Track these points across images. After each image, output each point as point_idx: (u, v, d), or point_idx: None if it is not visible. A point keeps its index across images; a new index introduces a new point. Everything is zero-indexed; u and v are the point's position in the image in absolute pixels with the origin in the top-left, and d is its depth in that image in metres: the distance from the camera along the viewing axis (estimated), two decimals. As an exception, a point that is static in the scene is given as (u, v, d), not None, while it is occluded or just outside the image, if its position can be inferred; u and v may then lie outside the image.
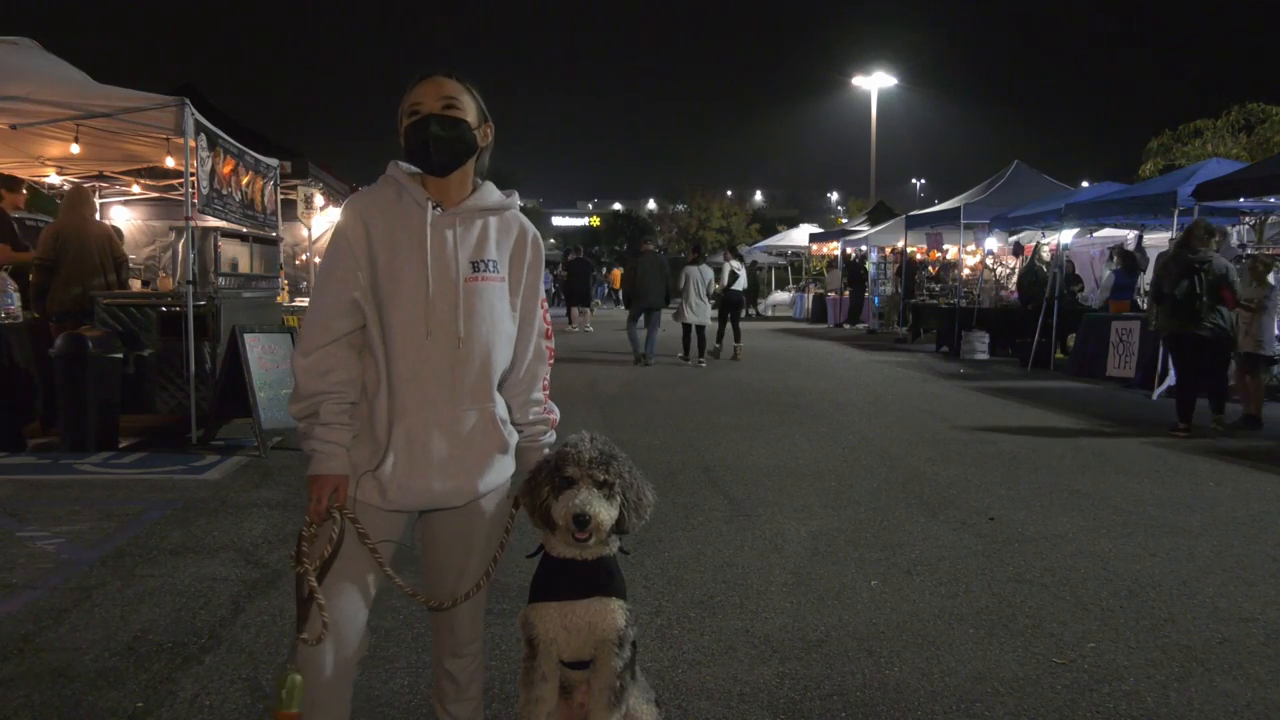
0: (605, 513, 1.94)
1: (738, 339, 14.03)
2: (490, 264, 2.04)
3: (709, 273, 13.42)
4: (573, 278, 21.05)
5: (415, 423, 1.97)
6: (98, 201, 10.00)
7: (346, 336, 2.00)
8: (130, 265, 7.61)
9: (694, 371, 12.39)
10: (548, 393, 2.22)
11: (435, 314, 1.97)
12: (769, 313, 29.37)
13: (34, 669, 2.98)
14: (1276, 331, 8.13)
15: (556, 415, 2.24)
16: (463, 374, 2.00)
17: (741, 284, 14.12)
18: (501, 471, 2.09)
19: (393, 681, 2.92)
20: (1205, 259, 7.49)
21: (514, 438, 2.13)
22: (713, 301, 13.65)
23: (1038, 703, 2.85)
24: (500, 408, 2.08)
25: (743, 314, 14.44)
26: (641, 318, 13.15)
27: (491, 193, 2.11)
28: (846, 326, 22.34)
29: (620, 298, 13.60)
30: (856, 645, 3.26)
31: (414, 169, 2.06)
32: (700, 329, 13.14)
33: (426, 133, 1.97)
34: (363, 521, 1.98)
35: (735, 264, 14.30)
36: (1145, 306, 11.09)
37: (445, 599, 2.11)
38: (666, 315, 13.98)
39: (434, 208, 2.02)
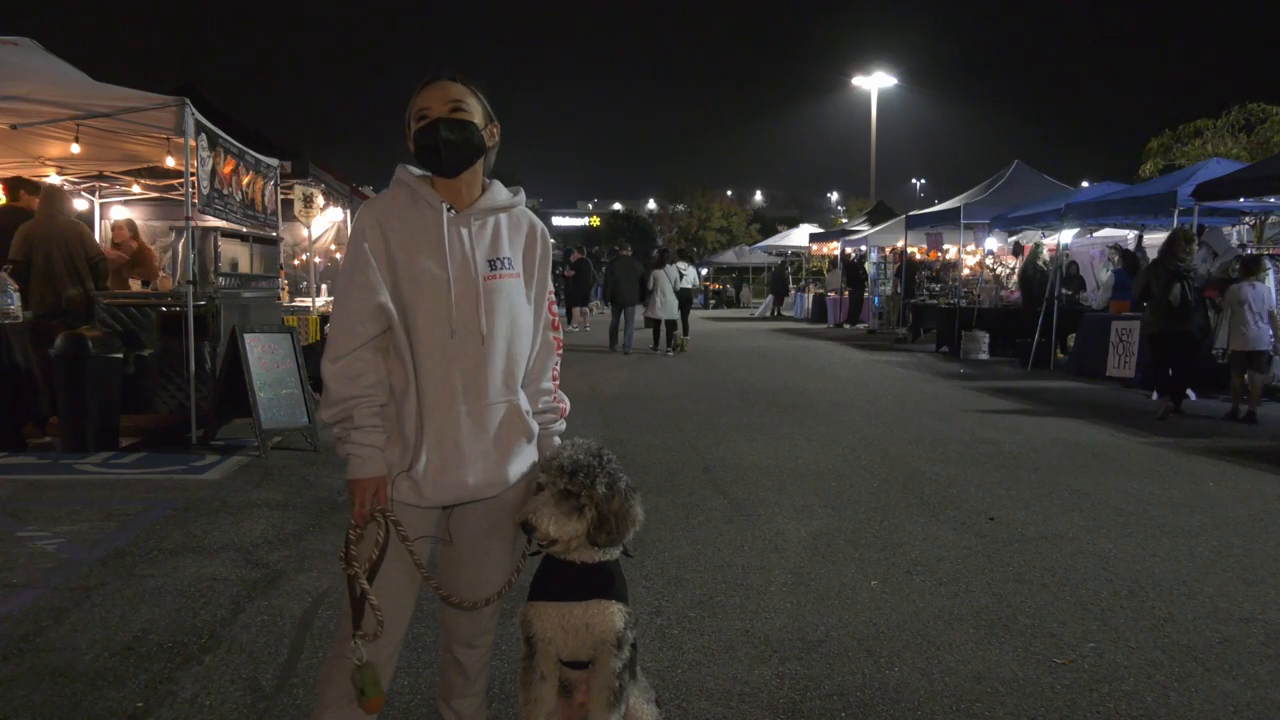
0: (554, 525, 1.91)
1: (685, 332, 15.86)
2: (506, 261, 2.10)
3: (674, 273, 15.36)
4: (576, 278, 21.05)
5: (445, 419, 2.03)
6: (97, 201, 10.00)
7: (373, 341, 2.05)
8: (105, 258, 7.50)
9: (694, 372, 12.41)
10: (557, 383, 2.26)
11: (458, 313, 2.02)
12: (768, 313, 29.32)
13: (34, 669, 2.98)
14: (1263, 330, 8.38)
15: (567, 405, 2.28)
16: (488, 369, 2.05)
17: (689, 282, 16.12)
18: (528, 459, 2.16)
19: (393, 681, 2.91)
20: (1191, 266, 8.29)
21: (537, 426, 2.19)
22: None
23: (1038, 703, 2.85)
24: (523, 399, 2.14)
25: (691, 309, 16.82)
26: (622, 314, 15.04)
27: (500, 191, 2.16)
28: (846, 326, 22.35)
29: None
30: (856, 645, 3.26)
31: (422, 172, 2.11)
32: (670, 323, 15.17)
33: (436, 137, 2.01)
34: (401, 520, 2.04)
35: (682, 264, 16.35)
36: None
37: (465, 590, 2.14)
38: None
39: (448, 209, 2.06)
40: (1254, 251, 10.02)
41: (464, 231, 2.06)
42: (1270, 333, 8.43)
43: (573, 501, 1.93)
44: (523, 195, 2.22)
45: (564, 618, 1.99)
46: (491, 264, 2.08)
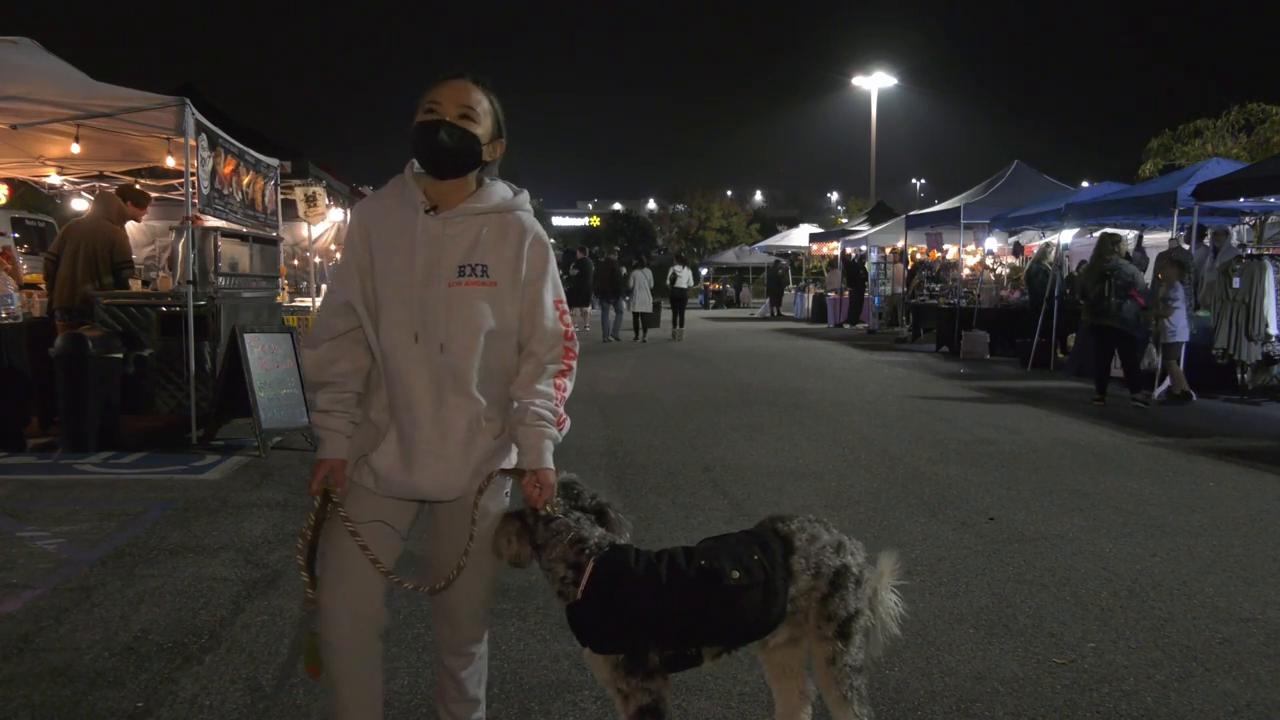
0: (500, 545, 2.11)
1: (681, 324, 18.63)
2: (479, 268, 2.02)
3: (649, 274, 18.11)
4: (579, 277, 21.10)
5: (405, 420, 2.04)
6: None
7: (349, 333, 2.07)
8: (133, 266, 7.53)
9: (694, 371, 12.40)
10: (562, 395, 2.10)
11: (420, 319, 1.99)
12: (767, 314, 29.29)
13: (34, 669, 2.98)
14: (1182, 324, 9.31)
15: (568, 420, 2.12)
16: (449, 377, 2.01)
17: (683, 283, 18.88)
18: (492, 466, 2.10)
19: (393, 681, 2.92)
20: (1114, 266, 9.05)
21: (505, 435, 2.12)
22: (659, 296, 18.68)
23: (1038, 703, 2.85)
24: (489, 407, 2.07)
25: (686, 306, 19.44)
26: (610, 308, 18.01)
27: (494, 194, 2.09)
28: (846, 326, 22.34)
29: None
30: (856, 645, 3.25)
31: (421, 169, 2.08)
32: (646, 316, 17.83)
33: (434, 138, 1.97)
34: (357, 502, 2.07)
35: (678, 267, 19.21)
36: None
37: (448, 590, 2.13)
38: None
39: (428, 210, 2.02)
40: (1254, 251, 10.03)
41: (439, 235, 2.01)
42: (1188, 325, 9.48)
43: (513, 527, 2.08)
44: (524, 197, 2.13)
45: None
46: (461, 270, 2.01)
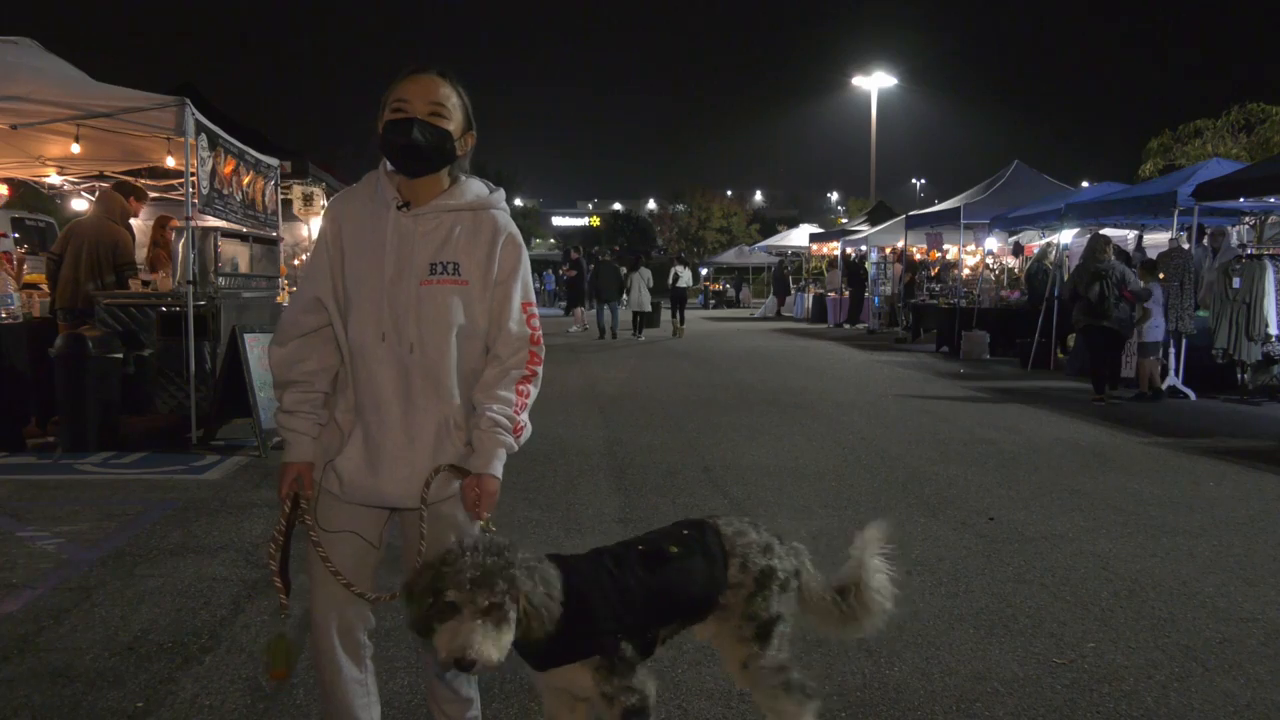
0: (494, 649, 1.72)
1: (681, 321, 19.57)
2: (450, 266, 1.98)
3: (647, 274, 19.07)
4: (577, 277, 21.21)
5: (372, 422, 1.99)
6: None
7: (318, 330, 2.03)
8: (135, 267, 7.51)
9: (694, 372, 12.41)
10: (525, 401, 2.03)
11: (389, 317, 1.96)
12: (770, 314, 29.29)
13: (34, 669, 2.98)
14: (1160, 323, 9.59)
15: (527, 427, 2.05)
16: (417, 378, 1.97)
17: (684, 282, 20.09)
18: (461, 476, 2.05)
19: (393, 681, 2.92)
20: (1108, 267, 9.18)
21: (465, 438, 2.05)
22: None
23: (1038, 703, 2.85)
24: (459, 412, 2.02)
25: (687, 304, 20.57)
26: (606, 307, 18.55)
27: (467, 191, 2.05)
28: (846, 326, 22.34)
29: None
30: (856, 645, 3.25)
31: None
32: (644, 314, 19.01)
33: (407, 137, 1.92)
34: (325, 510, 2.04)
35: (678, 267, 20.48)
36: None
37: None
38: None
39: (400, 207, 1.99)
40: (1254, 251, 10.04)
41: (410, 232, 1.98)
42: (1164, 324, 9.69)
43: (499, 612, 1.74)
44: (499, 195, 2.08)
45: (542, 681, 2.04)
46: (432, 268, 1.97)
